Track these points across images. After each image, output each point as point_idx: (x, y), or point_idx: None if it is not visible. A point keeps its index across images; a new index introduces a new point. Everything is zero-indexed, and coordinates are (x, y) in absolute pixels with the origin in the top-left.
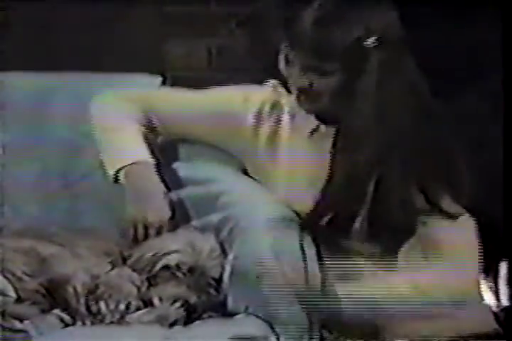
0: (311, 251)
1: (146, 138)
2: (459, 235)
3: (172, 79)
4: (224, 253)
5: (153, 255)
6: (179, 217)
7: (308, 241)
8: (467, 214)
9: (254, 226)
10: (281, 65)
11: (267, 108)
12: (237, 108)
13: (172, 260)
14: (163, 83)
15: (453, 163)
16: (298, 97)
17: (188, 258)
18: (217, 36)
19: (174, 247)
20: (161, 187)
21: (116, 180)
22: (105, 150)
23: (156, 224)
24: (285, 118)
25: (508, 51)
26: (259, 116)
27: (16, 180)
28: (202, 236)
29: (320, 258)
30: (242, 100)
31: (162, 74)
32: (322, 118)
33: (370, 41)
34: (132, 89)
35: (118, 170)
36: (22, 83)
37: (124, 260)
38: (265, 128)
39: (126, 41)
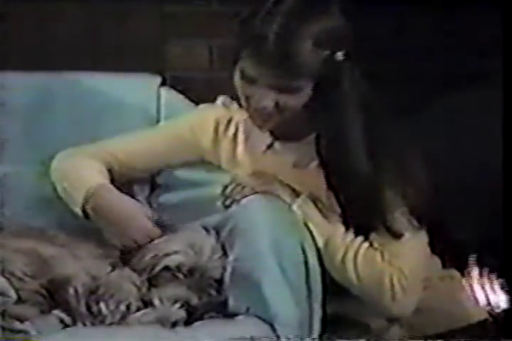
0: (312, 251)
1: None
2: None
3: (172, 80)
4: (225, 254)
5: (154, 256)
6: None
7: (309, 241)
8: (415, 231)
9: (254, 227)
10: (239, 84)
11: (221, 129)
12: (193, 138)
13: (172, 261)
14: (163, 83)
15: (409, 173)
16: (254, 116)
17: (188, 259)
18: (218, 36)
19: (175, 248)
20: (138, 206)
21: (85, 214)
22: (67, 191)
23: (148, 242)
24: (240, 136)
25: (509, 51)
26: (215, 140)
27: (16, 180)
28: (203, 237)
29: (321, 258)
30: (196, 128)
31: (162, 74)
32: (278, 134)
33: (340, 55)
34: (132, 89)
35: (84, 203)
36: (22, 83)
37: (125, 262)
38: (223, 149)
39: (125, 40)
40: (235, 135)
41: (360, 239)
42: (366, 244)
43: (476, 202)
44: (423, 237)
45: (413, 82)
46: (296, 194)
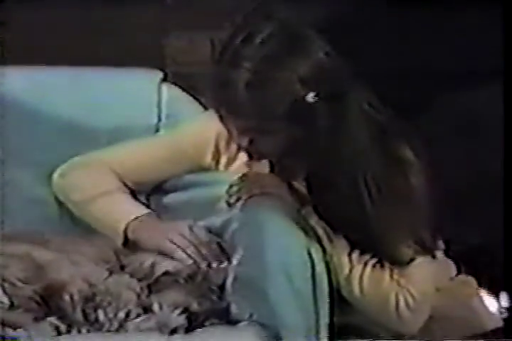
0: (318, 256)
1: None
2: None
3: (173, 75)
4: (227, 257)
5: (153, 261)
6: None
7: (316, 246)
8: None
9: (258, 230)
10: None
11: (222, 144)
12: (195, 153)
13: (172, 265)
14: (164, 79)
15: (410, 199)
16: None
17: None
18: (220, 29)
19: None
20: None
21: (125, 240)
22: (102, 217)
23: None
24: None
25: (509, 52)
26: (216, 155)
27: (11, 182)
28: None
29: (327, 263)
30: (199, 144)
31: (163, 70)
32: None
33: (310, 97)
34: (131, 85)
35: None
36: (20, 79)
37: (122, 267)
38: (224, 163)
39: (125, 34)
40: (238, 150)
41: (368, 255)
42: (374, 261)
43: (487, 206)
44: (436, 257)
45: (412, 82)
46: (306, 201)
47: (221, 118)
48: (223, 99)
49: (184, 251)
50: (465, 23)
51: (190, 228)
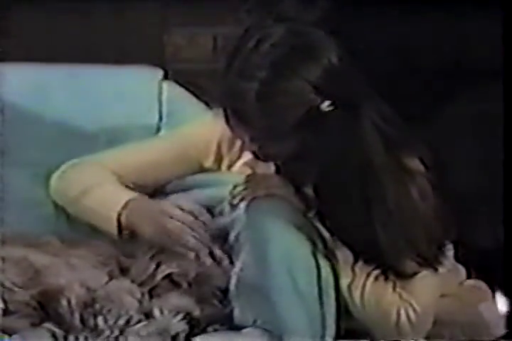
0: (324, 260)
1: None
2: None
3: (174, 72)
4: (231, 261)
5: (154, 264)
6: None
7: (321, 249)
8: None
9: (262, 233)
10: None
11: (224, 147)
12: (197, 156)
13: (174, 268)
14: (165, 77)
15: (414, 213)
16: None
17: (190, 267)
18: (223, 24)
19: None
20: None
21: (119, 228)
22: (95, 208)
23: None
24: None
25: (509, 53)
26: (218, 158)
27: (9, 183)
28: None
29: (333, 267)
30: (202, 147)
31: (163, 67)
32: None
33: (325, 106)
34: (131, 83)
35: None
36: (18, 77)
37: (122, 271)
38: (226, 161)
39: (125, 31)
40: (240, 153)
41: (371, 266)
42: (377, 272)
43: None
44: (437, 270)
45: (413, 83)
46: (313, 204)
47: (231, 127)
48: (233, 109)
49: (189, 226)
50: (465, 24)
51: (180, 208)
